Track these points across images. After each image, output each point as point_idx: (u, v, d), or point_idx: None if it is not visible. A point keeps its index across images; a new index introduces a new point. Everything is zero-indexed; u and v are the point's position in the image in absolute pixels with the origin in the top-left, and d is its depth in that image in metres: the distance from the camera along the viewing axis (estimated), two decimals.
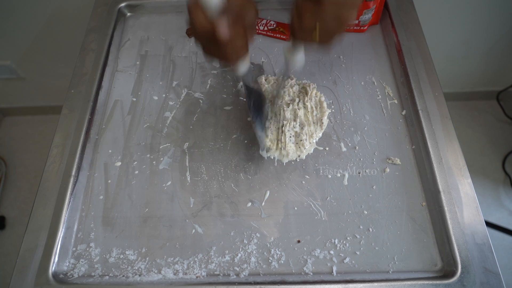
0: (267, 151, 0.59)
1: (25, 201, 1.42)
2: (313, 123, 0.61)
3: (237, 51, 0.44)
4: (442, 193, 0.53)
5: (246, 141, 0.61)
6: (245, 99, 0.65)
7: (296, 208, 0.55)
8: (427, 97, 0.62)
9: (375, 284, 0.47)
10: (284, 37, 0.73)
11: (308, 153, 0.59)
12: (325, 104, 0.63)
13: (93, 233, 0.53)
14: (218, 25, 0.39)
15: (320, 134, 0.60)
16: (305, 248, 0.51)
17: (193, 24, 0.41)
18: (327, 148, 0.60)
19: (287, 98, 0.62)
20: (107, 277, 0.50)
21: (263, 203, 0.55)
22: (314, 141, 0.59)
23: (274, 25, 0.74)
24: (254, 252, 0.51)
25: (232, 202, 0.55)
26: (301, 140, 0.58)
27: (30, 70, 1.30)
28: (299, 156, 0.58)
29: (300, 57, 0.49)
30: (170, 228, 0.54)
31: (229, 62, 0.46)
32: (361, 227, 0.53)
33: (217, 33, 0.39)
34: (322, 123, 0.61)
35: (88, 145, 0.61)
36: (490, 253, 0.49)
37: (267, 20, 0.74)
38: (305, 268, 0.50)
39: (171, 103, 0.66)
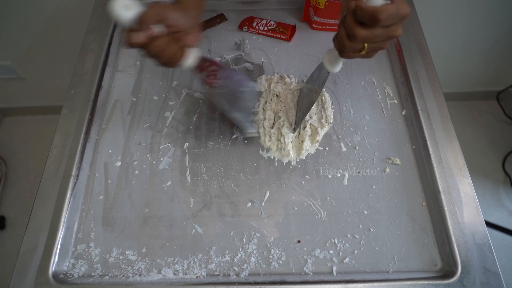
0: (267, 151, 0.59)
1: (25, 201, 1.42)
2: (318, 120, 0.61)
3: (172, 55, 0.47)
4: (442, 193, 0.53)
5: (246, 141, 0.61)
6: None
7: (296, 208, 0.55)
8: (427, 97, 0.62)
9: (375, 284, 0.47)
10: (284, 37, 0.73)
11: (308, 153, 0.59)
12: (328, 98, 0.63)
13: (93, 233, 0.53)
14: (129, 35, 0.42)
15: (323, 132, 0.60)
16: (305, 248, 0.51)
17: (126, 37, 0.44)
18: (327, 148, 0.60)
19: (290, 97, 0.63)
20: (107, 277, 0.50)
21: (263, 203, 0.55)
22: (319, 138, 0.59)
23: (274, 25, 0.74)
24: (254, 252, 0.51)
25: (232, 202, 0.55)
26: (302, 141, 0.59)
27: (30, 70, 1.30)
28: (298, 156, 0.58)
29: (339, 66, 0.51)
30: (170, 228, 0.54)
31: (169, 66, 0.49)
32: (361, 227, 0.53)
33: (131, 42, 0.42)
34: (328, 119, 0.61)
35: (88, 145, 0.61)
36: (490, 253, 0.49)
37: (267, 20, 0.74)
38: (305, 268, 0.50)
39: (171, 103, 0.66)
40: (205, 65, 0.54)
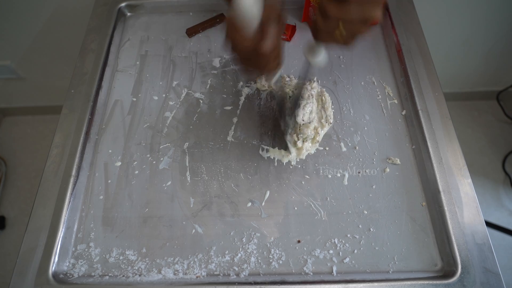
0: (267, 151, 0.59)
1: (25, 201, 1.42)
2: (318, 120, 0.61)
3: (276, 62, 0.45)
4: (442, 193, 0.53)
5: (246, 141, 0.61)
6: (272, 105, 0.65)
7: (296, 208, 0.55)
8: (427, 97, 0.62)
9: (375, 284, 0.47)
10: (284, 37, 0.73)
11: (308, 153, 0.59)
12: (328, 98, 0.63)
13: (93, 233, 0.53)
14: (262, 39, 0.39)
15: (323, 133, 0.60)
16: (305, 248, 0.51)
17: (233, 39, 0.40)
18: (327, 148, 0.60)
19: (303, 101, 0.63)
20: (107, 277, 0.50)
21: (263, 203, 0.55)
22: (319, 138, 0.59)
23: None
24: (254, 252, 0.51)
25: (232, 202, 0.55)
26: (301, 140, 0.58)
27: (30, 70, 1.30)
28: (298, 156, 0.58)
29: (322, 57, 0.48)
30: (170, 228, 0.54)
31: (269, 73, 0.47)
32: (361, 227, 0.53)
33: (260, 46, 0.39)
34: (328, 119, 0.61)
35: (88, 145, 0.61)
36: (490, 253, 0.49)
37: None
38: (305, 268, 0.50)
39: (171, 103, 0.66)
40: None
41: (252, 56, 0.42)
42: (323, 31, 0.41)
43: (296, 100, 0.60)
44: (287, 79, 0.66)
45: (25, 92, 1.44)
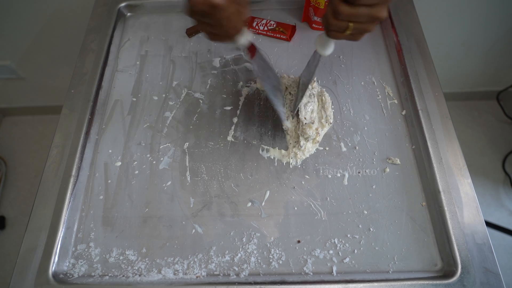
0: (267, 152, 0.59)
1: (25, 201, 1.42)
2: (318, 120, 0.61)
3: (235, 24, 0.45)
4: (442, 193, 0.53)
5: (246, 141, 0.61)
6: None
7: (296, 208, 0.55)
8: (427, 97, 0.62)
9: (375, 284, 0.47)
10: (284, 37, 0.73)
11: (309, 153, 0.59)
12: (328, 98, 0.63)
13: (93, 233, 0.53)
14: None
15: (323, 133, 0.60)
16: (305, 248, 0.51)
17: (189, 1, 0.41)
18: (327, 148, 0.60)
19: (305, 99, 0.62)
20: (107, 277, 0.50)
21: (263, 203, 0.55)
22: (319, 138, 0.59)
23: (274, 25, 0.74)
24: (254, 252, 0.51)
25: (232, 202, 0.55)
26: (300, 142, 0.58)
27: (30, 70, 1.30)
28: (297, 155, 0.58)
29: (331, 48, 0.51)
30: (170, 228, 0.54)
31: (228, 35, 0.47)
32: (361, 227, 0.53)
33: (211, 3, 0.40)
34: (328, 119, 0.61)
35: (88, 145, 0.61)
36: (490, 253, 0.49)
37: (267, 20, 0.74)
38: (305, 268, 0.50)
39: (171, 103, 0.66)
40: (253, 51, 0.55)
41: (210, 15, 0.42)
42: (334, 29, 0.44)
43: (296, 97, 0.60)
44: (292, 76, 0.66)
45: (25, 92, 1.44)
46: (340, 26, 0.43)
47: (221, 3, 0.41)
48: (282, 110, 0.59)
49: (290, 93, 0.64)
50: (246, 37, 0.51)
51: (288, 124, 0.60)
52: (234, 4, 0.44)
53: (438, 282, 0.47)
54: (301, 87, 0.60)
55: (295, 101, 0.60)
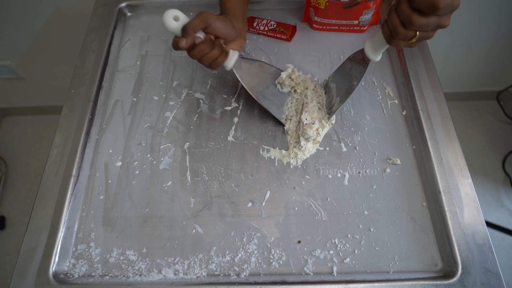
0: (267, 152, 0.59)
1: (25, 201, 1.42)
2: (319, 119, 0.60)
3: (214, 59, 0.54)
4: (442, 193, 0.53)
5: (246, 141, 0.61)
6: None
7: (296, 208, 0.55)
8: (428, 97, 0.62)
9: (376, 284, 0.47)
10: (285, 37, 0.73)
11: (309, 154, 0.59)
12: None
13: (93, 233, 0.53)
14: (175, 41, 0.50)
15: (324, 133, 0.60)
16: (305, 248, 0.51)
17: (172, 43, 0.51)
18: (327, 148, 0.60)
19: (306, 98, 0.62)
20: (107, 277, 0.50)
21: (264, 203, 0.55)
22: (319, 139, 0.59)
23: (274, 25, 0.74)
24: (255, 252, 0.51)
25: (232, 202, 0.55)
26: (301, 142, 0.58)
27: (30, 70, 1.30)
28: (297, 155, 0.58)
29: (381, 54, 0.52)
30: (170, 228, 0.54)
31: (212, 68, 0.56)
32: (361, 227, 0.53)
33: (177, 46, 0.50)
34: (329, 119, 0.61)
35: (88, 145, 0.61)
36: (491, 253, 0.49)
37: (267, 20, 0.74)
38: (305, 268, 0.50)
39: (171, 103, 0.66)
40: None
41: (191, 55, 0.53)
42: (401, 38, 0.45)
43: (331, 101, 0.61)
44: (297, 73, 0.65)
45: (25, 92, 1.44)
46: (408, 35, 0.44)
47: (185, 47, 0.50)
48: (279, 113, 0.60)
49: (295, 91, 0.63)
50: (233, 60, 0.56)
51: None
52: (210, 42, 0.52)
53: (438, 282, 0.47)
54: (337, 92, 0.60)
55: (331, 105, 0.60)
